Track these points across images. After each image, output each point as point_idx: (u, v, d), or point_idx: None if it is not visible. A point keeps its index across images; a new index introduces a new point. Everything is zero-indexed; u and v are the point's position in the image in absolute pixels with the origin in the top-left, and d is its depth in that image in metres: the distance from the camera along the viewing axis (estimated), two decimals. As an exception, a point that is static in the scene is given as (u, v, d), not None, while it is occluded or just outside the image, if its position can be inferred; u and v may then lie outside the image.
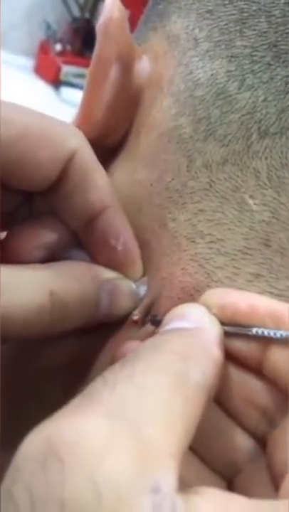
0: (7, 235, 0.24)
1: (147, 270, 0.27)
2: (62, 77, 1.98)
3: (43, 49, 2.05)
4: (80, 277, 0.24)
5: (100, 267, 0.26)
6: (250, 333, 0.22)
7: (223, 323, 0.23)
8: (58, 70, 1.98)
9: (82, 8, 2.03)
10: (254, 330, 0.22)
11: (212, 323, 0.23)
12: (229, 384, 0.23)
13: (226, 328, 0.23)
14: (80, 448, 0.15)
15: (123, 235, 0.26)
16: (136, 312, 0.26)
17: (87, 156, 0.25)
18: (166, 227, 0.26)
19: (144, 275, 0.27)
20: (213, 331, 0.22)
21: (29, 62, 2.02)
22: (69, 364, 0.26)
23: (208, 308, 0.23)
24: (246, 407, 0.23)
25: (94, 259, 0.26)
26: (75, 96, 1.79)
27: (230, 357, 0.23)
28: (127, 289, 0.26)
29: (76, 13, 2.04)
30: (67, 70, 1.97)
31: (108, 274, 0.26)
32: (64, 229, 0.26)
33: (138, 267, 0.26)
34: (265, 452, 0.23)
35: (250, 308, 0.23)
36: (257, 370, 0.23)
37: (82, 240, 0.26)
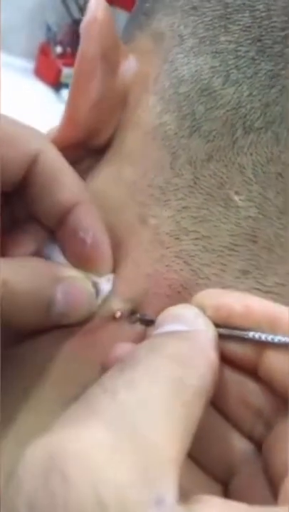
0: None
1: (125, 266, 0.26)
2: (62, 79, 1.97)
3: (43, 51, 2.05)
4: (35, 272, 0.24)
5: (61, 265, 0.26)
6: (246, 336, 0.22)
7: (217, 325, 0.23)
8: (59, 72, 1.98)
9: (82, 10, 2.03)
10: (251, 334, 0.22)
11: (207, 325, 0.23)
12: (224, 386, 0.22)
13: (221, 330, 0.23)
14: (82, 461, 0.15)
15: (93, 230, 0.26)
16: (120, 308, 0.26)
17: (52, 156, 0.25)
18: (146, 223, 0.26)
19: (114, 272, 0.27)
20: (208, 333, 0.22)
21: (29, 65, 2.02)
22: (52, 361, 0.26)
23: (202, 309, 0.23)
24: (241, 409, 0.23)
25: (67, 255, 0.26)
26: (75, 98, 1.79)
27: (224, 359, 0.23)
28: (85, 289, 0.26)
29: (76, 14, 2.04)
30: (68, 72, 1.97)
31: (68, 272, 0.26)
32: (44, 230, 0.27)
33: (107, 262, 0.26)
34: (261, 454, 0.23)
35: (246, 310, 0.22)
36: (251, 371, 0.23)
37: (58, 237, 0.26)
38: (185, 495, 0.16)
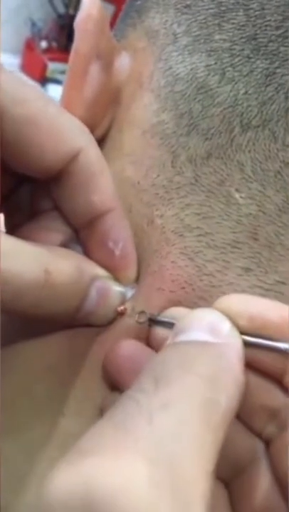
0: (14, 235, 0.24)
1: (140, 268, 0.27)
2: (48, 74, 1.97)
3: (29, 47, 2.04)
4: (75, 266, 0.24)
5: (95, 264, 0.26)
6: (279, 348, 0.22)
7: (244, 333, 0.23)
8: (44, 67, 1.97)
9: (66, 5, 2.02)
10: (283, 346, 0.22)
11: (235, 337, 0.22)
12: (245, 389, 0.22)
13: (249, 339, 0.22)
14: (125, 498, 0.15)
15: (123, 241, 0.25)
16: (125, 304, 0.26)
17: (93, 156, 0.25)
18: (153, 224, 0.26)
19: (137, 280, 0.27)
20: (236, 348, 0.22)
21: (15, 60, 2.01)
22: (59, 362, 0.26)
23: (229, 315, 0.23)
24: (258, 410, 0.23)
25: (89, 256, 0.26)
26: (61, 93, 1.79)
27: (249, 364, 0.22)
28: (117, 292, 0.26)
29: (61, 9, 2.03)
30: (54, 67, 1.96)
31: (102, 272, 0.26)
32: (67, 228, 0.26)
33: (132, 273, 0.26)
34: (269, 454, 0.23)
35: (282, 321, 0.22)
36: (274, 377, 0.23)
37: (82, 238, 0.26)
38: None
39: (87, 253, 0.26)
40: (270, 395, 0.23)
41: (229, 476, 0.24)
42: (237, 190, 0.25)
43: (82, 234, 0.26)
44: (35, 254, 0.23)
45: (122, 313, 0.26)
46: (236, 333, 0.22)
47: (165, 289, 0.26)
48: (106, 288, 0.25)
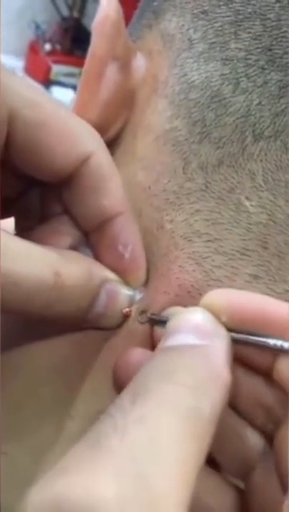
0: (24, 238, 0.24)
1: (149, 272, 0.27)
2: (52, 76, 1.97)
3: (33, 49, 2.04)
4: (85, 268, 0.24)
5: (105, 267, 0.26)
6: (267, 344, 0.22)
7: (231, 329, 0.23)
8: (48, 69, 1.97)
9: (70, 8, 2.03)
10: (272, 342, 0.22)
11: (219, 334, 0.22)
12: (236, 384, 0.22)
13: (236, 335, 0.23)
14: None
15: (132, 244, 0.26)
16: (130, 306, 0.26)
17: (104, 160, 0.25)
18: (163, 229, 0.26)
19: (146, 284, 0.27)
20: (220, 346, 0.22)
21: (19, 63, 2.01)
22: (66, 365, 0.26)
23: (214, 312, 0.23)
24: (254, 406, 0.24)
25: (99, 260, 0.26)
26: (65, 95, 1.79)
27: (238, 360, 0.23)
28: (126, 295, 0.26)
29: (65, 12, 2.04)
30: (58, 69, 1.97)
31: (111, 275, 0.26)
32: (76, 231, 0.26)
33: (141, 276, 0.26)
34: (272, 451, 0.23)
35: (262, 316, 0.22)
36: (264, 372, 0.23)
37: (91, 241, 0.26)
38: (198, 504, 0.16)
39: (96, 256, 0.27)
40: (261, 391, 0.23)
41: (241, 473, 0.24)
42: (247, 198, 0.25)
43: (92, 237, 0.26)
44: (45, 257, 0.23)
45: (127, 316, 0.26)
46: (222, 332, 0.22)
47: (170, 293, 0.26)
48: (115, 291, 0.26)
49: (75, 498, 0.15)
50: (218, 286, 0.25)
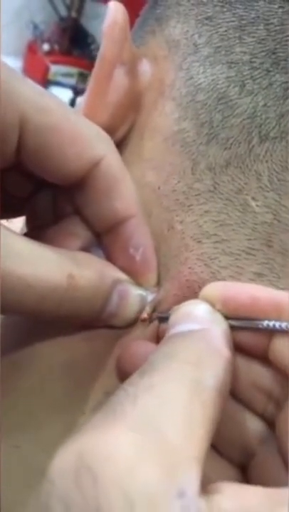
0: (36, 238, 0.25)
1: (160, 273, 0.27)
2: (50, 76, 1.97)
3: (31, 49, 2.04)
4: (97, 270, 0.25)
5: (116, 268, 0.26)
6: (258, 326, 0.23)
7: (228, 317, 0.24)
8: (46, 69, 1.97)
9: (68, 8, 2.03)
10: (264, 323, 0.23)
11: (217, 321, 0.23)
12: (235, 370, 0.23)
13: (232, 322, 0.24)
14: (111, 461, 0.16)
15: (143, 247, 0.26)
16: (146, 310, 0.27)
17: (115, 163, 0.25)
18: (174, 229, 0.27)
19: (157, 285, 0.27)
20: (219, 329, 0.23)
21: (17, 63, 2.01)
22: (77, 363, 0.27)
23: (211, 303, 0.24)
24: (253, 391, 0.24)
25: (110, 261, 0.27)
26: (63, 95, 1.79)
27: (236, 346, 0.23)
28: (137, 295, 0.26)
29: (63, 12, 2.04)
30: (56, 69, 1.97)
31: (123, 276, 0.26)
32: (88, 233, 0.27)
33: (152, 278, 0.27)
34: (275, 435, 0.24)
35: (252, 301, 0.23)
36: (261, 356, 0.24)
37: (104, 243, 0.27)
38: (205, 483, 0.17)
39: (108, 258, 0.27)
40: (259, 374, 0.24)
41: (242, 460, 0.25)
42: (253, 198, 0.26)
43: (104, 239, 0.27)
44: (58, 259, 0.23)
45: (144, 320, 0.27)
46: (220, 319, 0.23)
47: (180, 295, 0.26)
48: (127, 291, 0.26)
49: (94, 448, 0.17)
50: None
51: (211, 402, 0.19)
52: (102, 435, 0.17)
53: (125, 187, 0.26)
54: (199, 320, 0.23)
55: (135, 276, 0.27)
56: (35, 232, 0.28)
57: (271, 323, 0.23)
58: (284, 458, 0.23)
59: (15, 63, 1.99)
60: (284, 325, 0.22)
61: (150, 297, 0.27)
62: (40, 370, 0.27)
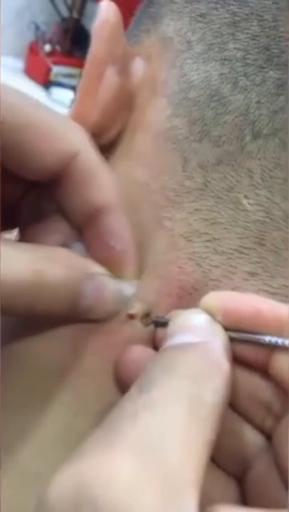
0: (19, 238, 0.25)
1: (144, 269, 0.27)
2: (52, 77, 1.97)
3: (33, 50, 2.04)
4: (68, 264, 0.24)
5: (91, 261, 0.26)
6: (259, 341, 0.23)
7: (228, 329, 0.23)
8: (48, 70, 1.97)
9: (70, 9, 2.03)
10: (266, 339, 0.23)
11: (217, 333, 0.23)
12: (234, 382, 0.23)
13: (233, 334, 0.23)
14: (111, 486, 0.16)
15: (122, 237, 0.26)
16: (136, 307, 0.26)
17: (91, 156, 0.25)
18: (162, 226, 0.27)
19: (138, 277, 0.27)
20: (218, 342, 0.23)
21: (19, 64, 2.01)
22: (66, 362, 0.27)
23: (211, 313, 0.24)
24: (252, 403, 0.24)
25: (92, 255, 0.27)
26: (65, 96, 1.79)
27: (235, 358, 0.23)
28: (113, 287, 0.26)
29: (64, 13, 2.04)
30: (58, 70, 1.97)
31: (97, 269, 0.26)
32: (69, 228, 0.27)
33: (133, 269, 0.27)
34: (272, 448, 0.24)
35: (255, 314, 0.23)
36: (261, 369, 0.23)
37: (84, 237, 0.27)
38: (203, 499, 0.17)
39: (89, 252, 0.27)
40: (259, 387, 0.24)
41: (239, 472, 0.24)
42: (245, 196, 0.26)
43: (84, 233, 0.27)
44: (25, 256, 0.23)
45: (132, 317, 0.26)
46: (219, 330, 0.23)
47: (174, 295, 0.26)
48: (102, 284, 0.26)
49: (95, 473, 0.16)
50: (216, 286, 0.26)
51: (210, 419, 0.19)
52: (101, 458, 0.17)
53: (102, 179, 0.26)
54: (199, 332, 0.23)
55: (115, 267, 0.27)
56: (19, 232, 0.27)
57: (273, 339, 0.22)
58: (280, 471, 0.23)
59: (16, 64, 1.99)
60: (287, 342, 0.22)
61: (130, 290, 0.27)
62: (31, 372, 0.27)
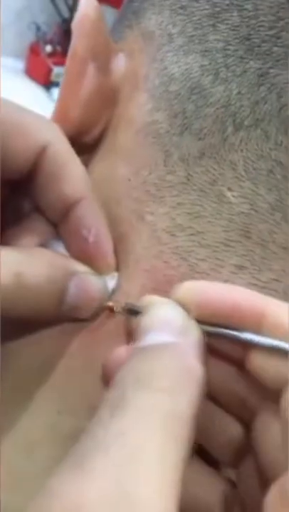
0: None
1: (125, 262, 0.27)
2: (53, 78, 1.98)
3: (33, 51, 2.05)
4: (50, 264, 0.24)
5: (72, 259, 0.26)
6: (238, 338, 0.22)
7: (202, 322, 0.23)
8: (49, 71, 1.98)
9: (71, 9, 2.03)
10: (243, 336, 0.22)
11: (191, 330, 0.23)
12: (210, 375, 0.22)
13: (208, 328, 0.23)
14: None
15: (95, 227, 0.26)
16: (116, 301, 0.26)
17: (61, 148, 0.25)
18: (144, 220, 0.26)
19: (117, 269, 0.27)
20: (191, 340, 0.22)
21: (20, 64, 2.02)
22: (50, 361, 0.26)
23: (184, 306, 0.23)
24: (227, 396, 0.24)
25: (69, 251, 0.26)
26: (66, 96, 1.80)
27: (211, 351, 0.23)
28: (96, 284, 0.26)
29: (65, 13, 2.04)
30: (58, 71, 1.97)
31: (79, 267, 0.26)
32: (47, 227, 0.27)
33: (110, 261, 0.26)
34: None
35: (232, 308, 0.22)
36: (236, 363, 0.23)
37: (60, 232, 0.26)
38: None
39: (67, 248, 0.27)
40: (234, 381, 0.24)
41: (235, 460, 0.24)
42: (229, 189, 0.26)
43: (60, 228, 0.27)
44: (4, 258, 0.23)
45: (110, 309, 0.26)
46: (193, 327, 0.23)
47: (160, 290, 0.26)
48: (85, 282, 0.26)
49: (61, 505, 0.16)
50: (204, 279, 0.25)
51: (185, 433, 0.19)
52: (71, 490, 0.16)
53: (72, 171, 0.26)
54: (172, 329, 0.22)
55: (92, 261, 0.26)
56: None
57: (250, 337, 0.22)
58: (261, 469, 0.22)
59: (17, 65, 2.00)
60: (266, 342, 0.22)
61: (111, 283, 0.26)
62: (16, 371, 0.27)
